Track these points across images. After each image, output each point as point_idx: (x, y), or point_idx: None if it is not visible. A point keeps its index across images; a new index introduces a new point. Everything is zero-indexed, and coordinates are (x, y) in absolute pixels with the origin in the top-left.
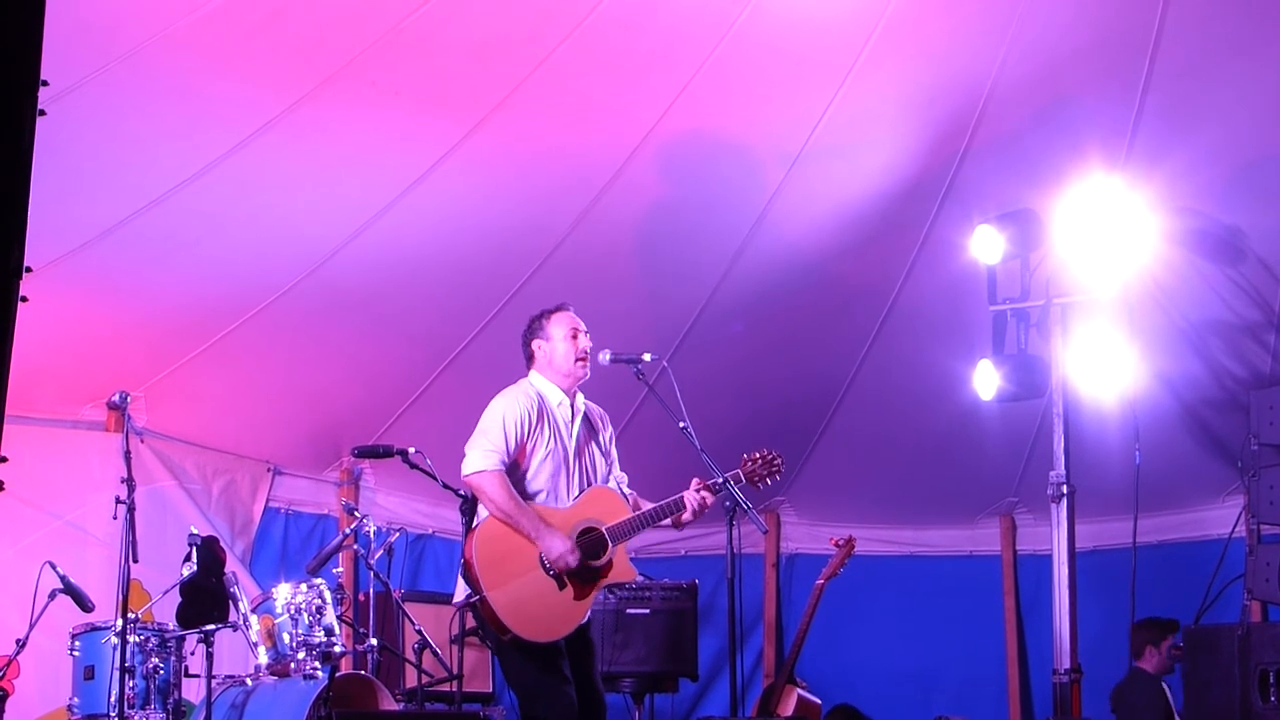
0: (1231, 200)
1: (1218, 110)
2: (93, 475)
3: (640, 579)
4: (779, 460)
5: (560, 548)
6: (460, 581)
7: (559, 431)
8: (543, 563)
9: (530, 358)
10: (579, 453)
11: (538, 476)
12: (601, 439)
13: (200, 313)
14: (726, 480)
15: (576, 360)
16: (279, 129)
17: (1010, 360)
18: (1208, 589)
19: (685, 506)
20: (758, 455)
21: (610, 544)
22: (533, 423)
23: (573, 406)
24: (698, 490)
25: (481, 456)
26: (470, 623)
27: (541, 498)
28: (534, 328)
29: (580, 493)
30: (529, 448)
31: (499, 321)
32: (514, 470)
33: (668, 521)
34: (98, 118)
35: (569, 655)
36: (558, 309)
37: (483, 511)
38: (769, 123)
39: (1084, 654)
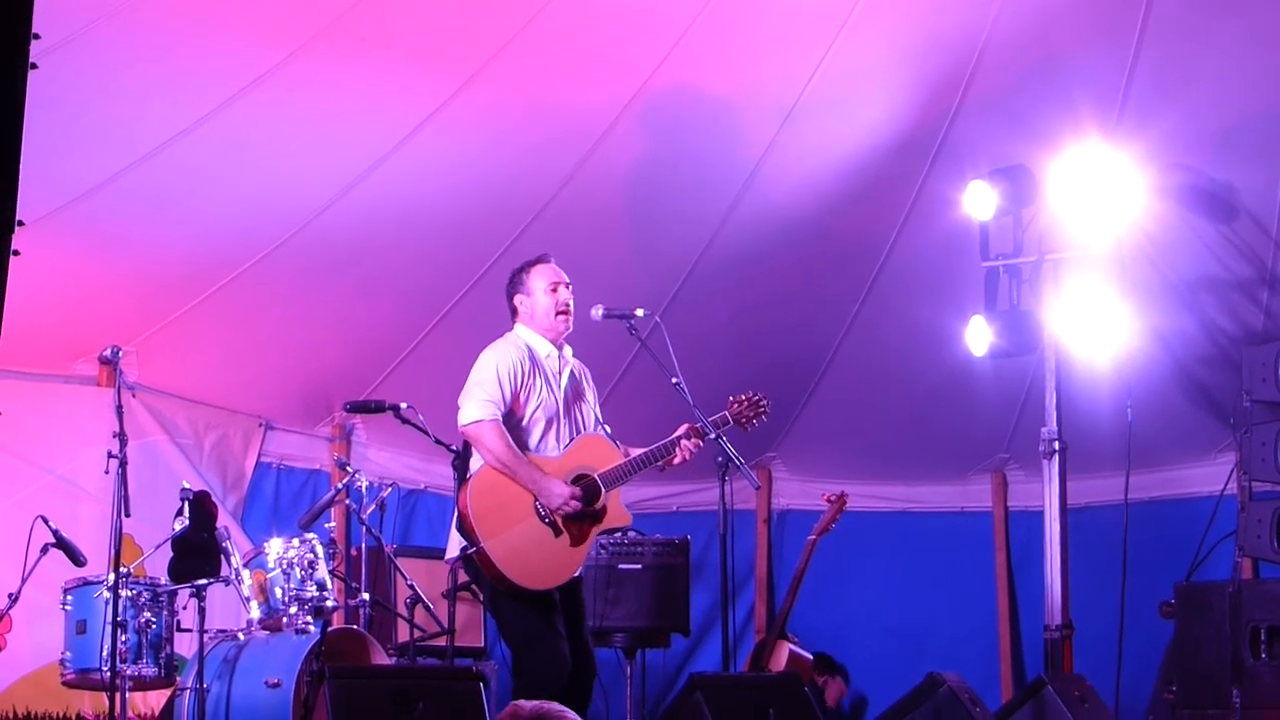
0: (1225, 156)
1: (1212, 66)
2: (85, 430)
3: (632, 533)
4: (765, 401)
5: (562, 493)
6: (454, 536)
7: (549, 382)
8: (537, 510)
9: (514, 311)
10: (569, 403)
11: (531, 426)
12: (587, 391)
13: (192, 267)
14: (719, 434)
15: (557, 314)
16: (271, 84)
17: (1002, 316)
18: (1199, 546)
19: (675, 452)
20: (744, 397)
21: (603, 490)
22: (525, 373)
23: (560, 358)
24: (687, 436)
25: (478, 407)
26: (463, 578)
27: (534, 446)
28: (515, 281)
29: (571, 441)
30: (522, 398)
31: (491, 277)
32: (507, 420)
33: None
34: (90, 72)
35: (562, 612)
36: (538, 261)
37: (474, 465)
38: (762, 78)
39: (1075, 610)
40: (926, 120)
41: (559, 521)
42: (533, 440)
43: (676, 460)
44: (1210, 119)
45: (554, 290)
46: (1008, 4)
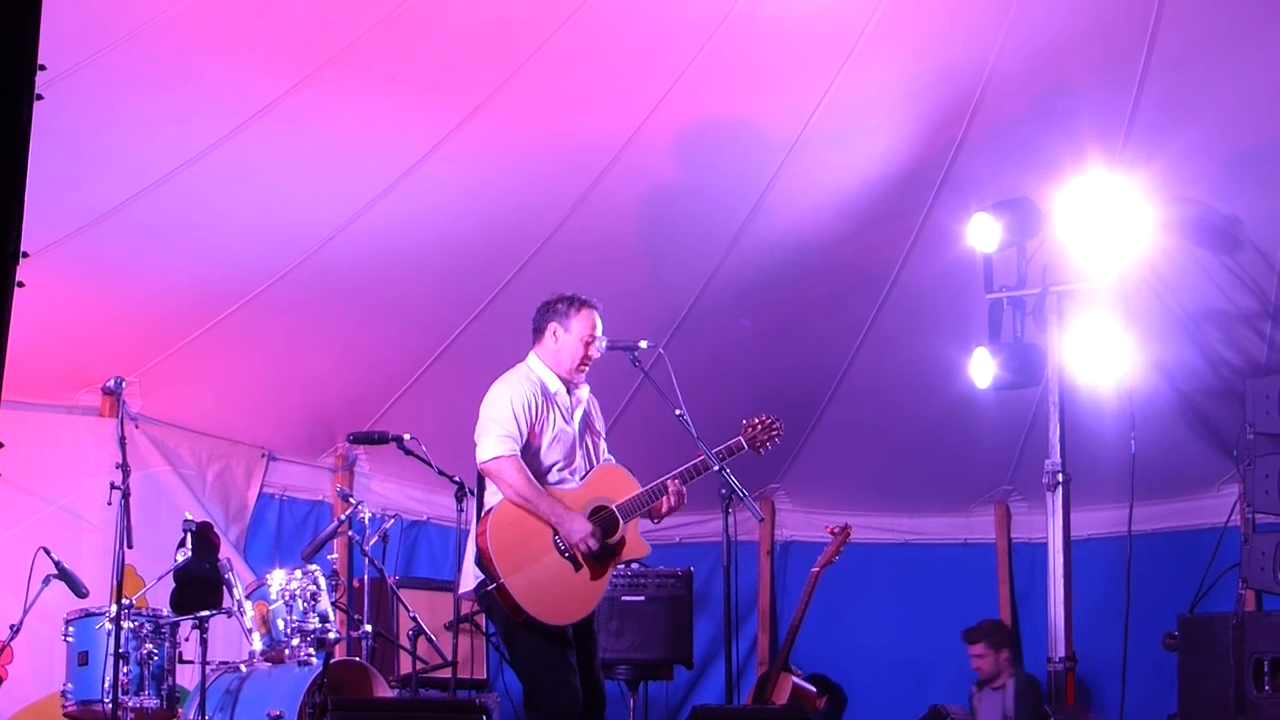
0: (1229, 189)
1: (1216, 99)
2: (87, 461)
3: (636, 565)
4: (778, 423)
5: (582, 530)
6: (469, 569)
7: (563, 415)
8: (557, 545)
9: (538, 336)
10: (582, 435)
11: (547, 458)
12: (596, 422)
13: (195, 298)
14: (723, 466)
15: (580, 364)
16: (275, 114)
17: (1006, 348)
18: (1203, 578)
19: (661, 499)
20: (756, 420)
21: (621, 521)
22: (539, 405)
23: (572, 394)
24: (682, 478)
25: (496, 443)
26: (465, 609)
27: (551, 479)
28: (557, 310)
29: (588, 472)
30: (537, 430)
31: (496, 307)
32: (523, 453)
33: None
34: (94, 102)
35: (575, 646)
36: (587, 304)
37: (491, 498)
38: (766, 109)
39: (1078, 642)
40: (931, 152)
41: (579, 555)
42: (550, 473)
43: (663, 509)
44: (1216, 149)
45: (589, 342)
46: (1012, 36)
